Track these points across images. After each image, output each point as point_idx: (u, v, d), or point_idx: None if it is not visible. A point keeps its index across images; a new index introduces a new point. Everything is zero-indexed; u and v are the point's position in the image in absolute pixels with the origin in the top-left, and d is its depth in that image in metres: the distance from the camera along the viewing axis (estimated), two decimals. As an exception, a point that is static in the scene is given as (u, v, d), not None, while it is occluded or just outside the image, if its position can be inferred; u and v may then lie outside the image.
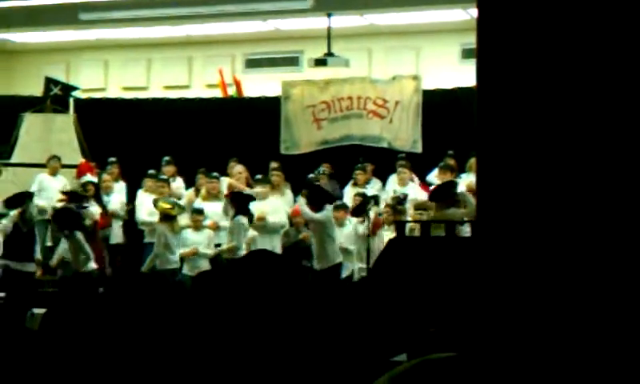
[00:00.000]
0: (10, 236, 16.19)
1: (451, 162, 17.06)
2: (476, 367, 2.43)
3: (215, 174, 17.58)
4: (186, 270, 15.98)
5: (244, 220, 15.85)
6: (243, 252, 15.52)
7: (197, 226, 16.33)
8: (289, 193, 17.28)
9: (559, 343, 3.01)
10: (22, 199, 16.50)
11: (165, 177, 17.81)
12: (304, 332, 2.97)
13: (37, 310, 10.49)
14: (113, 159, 18.67)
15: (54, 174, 18.39)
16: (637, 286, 3.00)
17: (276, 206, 17.03)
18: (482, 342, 2.65)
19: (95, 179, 17.91)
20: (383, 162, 17.80)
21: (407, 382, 2.43)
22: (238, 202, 16.08)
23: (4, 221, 16.37)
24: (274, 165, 17.85)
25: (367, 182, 17.67)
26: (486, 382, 2.41)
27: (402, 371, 2.48)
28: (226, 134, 19.73)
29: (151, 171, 17.92)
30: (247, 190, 17.00)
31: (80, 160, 19.14)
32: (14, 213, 16.29)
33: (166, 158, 18.43)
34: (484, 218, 3.27)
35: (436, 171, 17.29)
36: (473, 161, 16.26)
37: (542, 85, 3.17)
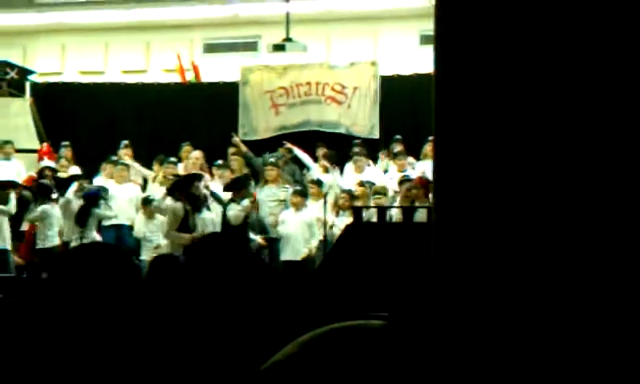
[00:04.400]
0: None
1: (402, 147, 17.00)
2: (385, 335, 2.45)
3: (172, 159, 17.45)
4: (143, 256, 15.80)
5: None
6: None
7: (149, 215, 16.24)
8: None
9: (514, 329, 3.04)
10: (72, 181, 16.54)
11: (127, 162, 17.58)
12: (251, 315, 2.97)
13: None
14: (66, 143, 18.52)
15: (7, 158, 18.25)
16: (581, 263, 3.03)
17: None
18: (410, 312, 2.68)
19: (53, 164, 17.75)
20: (341, 147, 17.75)
21: (315, 348, 2.45)
22: None
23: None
24: (232, 150, 17.75)
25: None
26: (398, 349, 2.44)
27: (311, 338, 2.51)
28: (184, 119, 19.63)
29: (114, 158, 17.71)
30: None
31: (36, 144, 18.98)
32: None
33: (125, 142, 18.26)
34: (441, 203, 3.29)
35: (385, 160, 17.22)
36: (427, 147, 16.27)
37: (498, 72, 3.19)
